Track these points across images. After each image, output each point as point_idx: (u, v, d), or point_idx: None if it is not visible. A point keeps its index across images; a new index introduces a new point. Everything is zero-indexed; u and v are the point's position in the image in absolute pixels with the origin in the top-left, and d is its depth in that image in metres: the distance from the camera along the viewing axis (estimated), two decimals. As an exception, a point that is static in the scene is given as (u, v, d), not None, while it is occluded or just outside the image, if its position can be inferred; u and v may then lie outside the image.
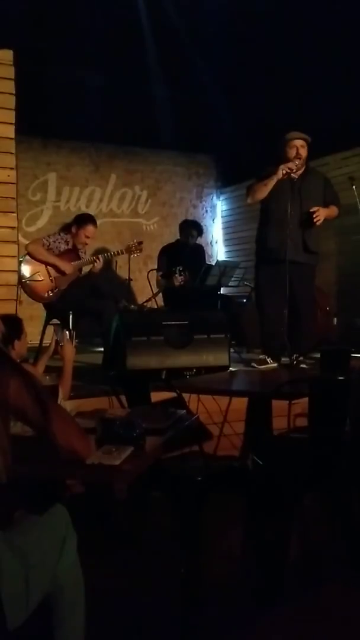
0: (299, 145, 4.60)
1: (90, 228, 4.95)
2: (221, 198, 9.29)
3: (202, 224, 8.79)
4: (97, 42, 7.02)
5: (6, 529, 1.59)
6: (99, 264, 4.85)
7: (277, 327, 4.65)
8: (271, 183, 4.60)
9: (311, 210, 4.57)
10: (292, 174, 4.59)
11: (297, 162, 4.57)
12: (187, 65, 7.56)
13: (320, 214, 4.58)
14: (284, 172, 4.55)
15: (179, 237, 6.44)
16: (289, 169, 4.54)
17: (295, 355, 4.55)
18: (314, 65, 6.66)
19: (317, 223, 4.58)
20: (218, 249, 9.24)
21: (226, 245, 9.16)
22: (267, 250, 4.74)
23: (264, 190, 4.64)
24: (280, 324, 4.64)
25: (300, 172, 4.66)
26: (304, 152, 4.63)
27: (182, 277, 5.66)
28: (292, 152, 4.62)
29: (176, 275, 5.67)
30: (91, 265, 4.87)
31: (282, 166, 4.56)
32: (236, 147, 8.09)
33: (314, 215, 4.56)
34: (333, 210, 4.73)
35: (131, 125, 7.72)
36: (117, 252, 5.27)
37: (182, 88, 7.78)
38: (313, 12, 6.56)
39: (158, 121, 7.89)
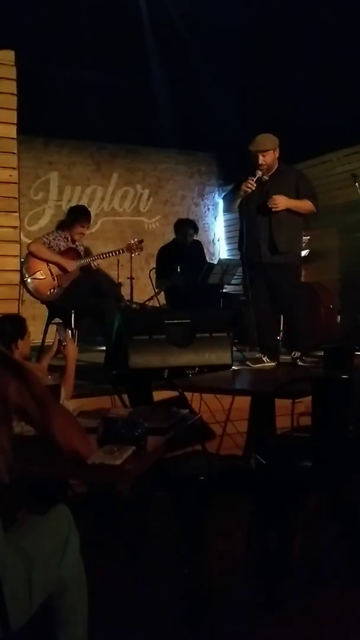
0: (259, 155, 4.53)
1: (84, 219, 4.99)
2: (223, 196, 9.28)
3: (203, 222, 8.84)
4: (98, 41, 7.01)
5: (9, 528, 1.59)
6: (100, 263, 4.90)
7: (267, 326, 4.66)
8: (237, 200, 4.63)
9: (271, 199, 4.48)
10: (264, 177, 4.54)
11: (259, 174, 4.48)
12: (189, 63, 7.54)
13: (278, 201, 4.46)
14: (242, 193, 4.51)
15: (175, 237, 6.42)
16: (248, 187, 4.45)
17: (294, 354, 4.54)
18: (316, 62, 6.64)
19: (274, 209, 4.47)
20: (220, 247, 9.24)
21: (228, 244, 9.15)
22: (243, 254, 4.72)
23: (231, 207, 4.81)
24: (269, 323, 4.67)
25: (270, 173, 4.58)
26: (268, 159, 4.53)
27: (181, 277, 5.69)
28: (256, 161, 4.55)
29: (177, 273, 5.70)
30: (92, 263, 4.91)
31: (242, 185, 4.48)
32: (238, 145, 8.05)
33: (272, 203, 4.46)
34: (305, 203, 4.59)
35: (132, 124, 7.72)
36: (118, 251, 5.27)
37: (183, 86, 7.76)
38: (313, 10, 6.54)
39: (159, 120, 7.87)
